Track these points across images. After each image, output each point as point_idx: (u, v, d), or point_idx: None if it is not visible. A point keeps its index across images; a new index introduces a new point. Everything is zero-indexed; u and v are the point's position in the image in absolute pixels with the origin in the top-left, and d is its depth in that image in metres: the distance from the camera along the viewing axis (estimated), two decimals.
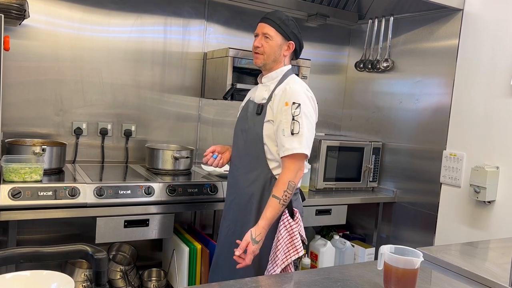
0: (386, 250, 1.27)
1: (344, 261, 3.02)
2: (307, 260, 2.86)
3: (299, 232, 1.95)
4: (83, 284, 2.41)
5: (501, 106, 2.50)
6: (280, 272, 1.91)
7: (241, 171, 2.08)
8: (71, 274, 2.39)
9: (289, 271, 1.93)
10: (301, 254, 1.93)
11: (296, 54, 2.12)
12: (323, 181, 3.00)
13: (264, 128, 1.98)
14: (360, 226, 3.44)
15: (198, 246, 2.57)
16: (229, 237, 2.09)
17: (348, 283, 1.32)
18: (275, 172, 2.00)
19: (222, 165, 2.22)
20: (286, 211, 1.95)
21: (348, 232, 3.40)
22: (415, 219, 3.00)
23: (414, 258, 1.24)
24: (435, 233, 2.83)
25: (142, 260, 2.85)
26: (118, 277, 2.54)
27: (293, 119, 1.89)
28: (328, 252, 2.94)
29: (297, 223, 1.96)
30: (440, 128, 2.83)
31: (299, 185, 2.05)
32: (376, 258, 2.99)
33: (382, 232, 3.24)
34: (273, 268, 1.91)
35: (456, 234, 2.71)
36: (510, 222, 2.43)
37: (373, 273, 1.40)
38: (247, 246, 1.85)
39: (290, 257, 1.91)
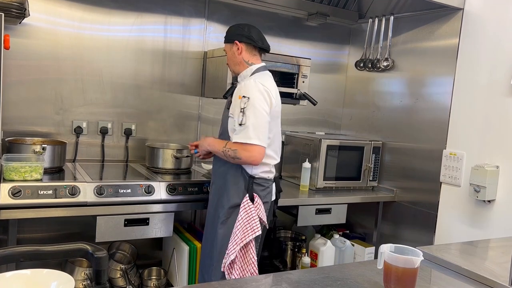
0: (386, 249, 1.27)
1: (344, 260, 3.02)
2: (307, 259, 2.87)
3: (258, 215, 2.10)
4: (83, 283, 2.41)
5: (501, 105, 2.50)
6: (240, 251, 2.07)
7: (215, 160, 2.28)
8: (71, 272, 2.39)
9: (250, 250, 2.10)
10: (257, 233, 2.08)
11: (254, 45, 2.22)
12: (323, 180, 3.00)
13: (228, 123, 2.17)
14: (360, 225, 3.44)
15: (198, 245, 2.57)
16: (209, 219, 2.27)
17: (348, 282, 1.32)
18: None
19: (203, 159, 2.48)
20: (247, 196, 2.12)
21: (348, 231, 3.40)
22: (415, 218, 3.00)
23: (414, 257, 1.24)
24: (435, 232, 2.83)
25: (142, 259, 2.86)
26: (118, 275, 2.54)
27: (240, 111, 2.05)
28: (328, 251, 2.94)
29: (256, 207, 2.11)
30: (440, 127, 2.83)
31: (264, 176, 2.18)
32: (376, 257, 2.99)
33: (382, 231, 3.24)
34: (233, 246, 2.07)
35: (456, 233, 2.71)
36: (510, 221, 2.43)
37: (373, 272, 1.40)
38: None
39: (248, 236, 2.06)
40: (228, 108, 2.18)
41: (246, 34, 2.19)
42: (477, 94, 2.63)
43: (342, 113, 3.68)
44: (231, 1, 3.11)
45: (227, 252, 2.09)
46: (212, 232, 2.21)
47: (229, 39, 2.23)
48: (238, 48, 2.19)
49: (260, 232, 2.10)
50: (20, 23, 2.45)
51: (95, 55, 2.76)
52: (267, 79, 2.17)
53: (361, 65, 3.38)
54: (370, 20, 3.31)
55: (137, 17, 2.85)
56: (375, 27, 3.27)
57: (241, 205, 2.11)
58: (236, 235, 2.08)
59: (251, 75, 2.17)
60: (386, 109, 3.26)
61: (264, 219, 2.15)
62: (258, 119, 2.04)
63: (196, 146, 2.46)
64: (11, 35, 2.41)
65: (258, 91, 2.06)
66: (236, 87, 2.20)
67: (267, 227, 2.24)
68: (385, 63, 3.21)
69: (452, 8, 2.75)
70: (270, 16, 3.28)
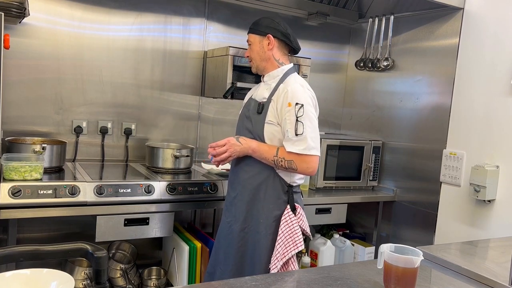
0: (386, 249, 1.27)
1: (344, 260, 3.02)
2: (307, 259, 2.86)
3: (300, 227, 1.98)
4: (83, 283, 2.41)
5: (501, 105, 2.50)
6: (282, 266, 1.93)
7: (244, 169, 2.05)
8: (71, 272, 2.39)
9: (291, 265, 1.96)
10: (300, 248, 1.95)
11: (288, 44, 2.06)
12: (323, 180, 3.00)
13: (265, 130, 1.97)
14: (360, 225, 3.44)
15: (198, 244, 2.57)
16: (230, 233, 2.07)
17: (348, 282, 1.32)
18: (277, 170, 2.00)
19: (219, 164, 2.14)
20: (288, 207, 1.98)
21: (348, 231, 3.40)
22: (415, 218, 3.00)
23: (414, 257, 1.24)
24: (435, 232, 2.83)
25: (142, 258, 2.86)
26: (118, 275, 2.54)
27: (297, 120, 1.89)
28: (328, 251, 2.94)
29: (298, 218, 1.99)
30: (440, 127, 2.83)
31: (300, 182, 2.07)
32: (376, 257, 2.99)
33: (382, 231, 3.24)
34: (274, 262, 1.93)
35: (456, 233, 2.71)
36: (510, 221, 2.43)
37: (373, 272, 1.40)
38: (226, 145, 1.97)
39: (290, 252, 1.93)
40: (259, 112, 1.98)
41: (283, 30, 2.01)
42: (477, 94, 2.63)
43: (342, 112, 3.68)
44: (231, 1, 3.11)
45: (270, 266, 1.94)
46: (238, 249, 2.02)
47: (260, 30, 2.01)
48: (269, 43, 2.00)
49: (303, 247, 1.94)
50: (20, 22, 2.45)
51: (95, 55, 2.76)
52: (305, 82, 2.03)
53: (361, 64, 3.38)
54: (370, 19, 3.30)
55: (137, 16, 2.85)
56: (375, 27, 3.27)
57: (282, 218, 1.96)
58: (278, 250, 1.93)
59: (282, 76, 2.01)
60: (386, 109, 3.26)
61: (308, 229, 2.03)
62: (314, 127, 1.93)
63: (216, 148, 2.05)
64: (11, 35, 2.41)
65: (308, 97, 1.94)
66: (274, 88, 1.99)
67: (311, 238, 2.09)
68: (385, 63, 3.21)
69: (452, 7, 2.74)
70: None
